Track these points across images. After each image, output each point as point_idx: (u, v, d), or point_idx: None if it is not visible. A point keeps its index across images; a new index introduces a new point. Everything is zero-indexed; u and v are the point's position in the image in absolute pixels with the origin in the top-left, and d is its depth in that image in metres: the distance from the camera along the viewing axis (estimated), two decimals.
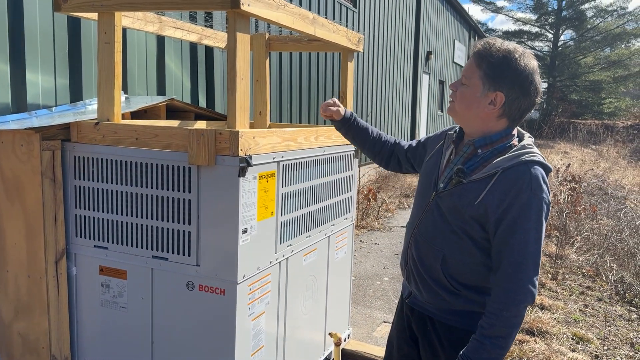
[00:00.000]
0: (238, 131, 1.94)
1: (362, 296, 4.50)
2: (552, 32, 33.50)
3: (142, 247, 2.16)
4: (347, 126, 2.13)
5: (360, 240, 6.24)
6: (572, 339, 3.81)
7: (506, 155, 1.60)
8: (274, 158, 2.19)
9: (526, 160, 1.57)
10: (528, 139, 1.68)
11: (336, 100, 2.15)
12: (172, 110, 3.01)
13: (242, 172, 1.97)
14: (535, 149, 1.62)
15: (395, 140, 2.13)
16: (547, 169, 1.60)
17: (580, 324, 4.09)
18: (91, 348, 2.34)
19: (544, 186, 1.55)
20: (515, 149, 1.62)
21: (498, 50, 1.59)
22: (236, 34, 1.92)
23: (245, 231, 2.03)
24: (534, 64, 1.61)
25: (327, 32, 2.55)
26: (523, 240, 1.53)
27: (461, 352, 1.59)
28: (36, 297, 2.25)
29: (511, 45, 1.61)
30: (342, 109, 2.13)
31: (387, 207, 7.72)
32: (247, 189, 2.02)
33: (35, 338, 2.28)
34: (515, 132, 1.69)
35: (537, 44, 34.76)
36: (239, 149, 1.95)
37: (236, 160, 1.95)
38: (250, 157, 2.01)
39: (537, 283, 1.53)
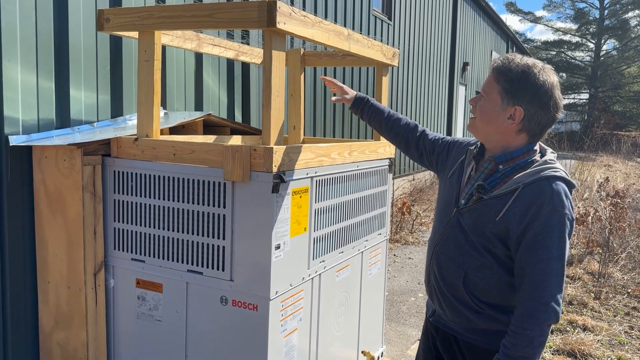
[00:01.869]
0: (272, 147, 1.95)
1: (396, 313, 4.44)
2: (593, 41, 32.67)
3: (177, 261, 2.19)
4: (361, 108, 2.21)
5: (394, 255, 6.16)
6: None
7: (527, 171, 1.59)
8: (307, 174, 2.19)
9: (548, 175, 1.55)
10: (550, 154, 1.66)
11: (343, 87, 2.27)
12: (209, 125, 3.06)
13: (275, 188, 1.98)
14: (557, 165, 1.61)
15: (419, 128, 2.09)
16: (570, 185, 1.58)
17: (626, 347, 3.91)
18: None
19: (566, 202, 1.53)
20: (536, 164, 1.61)
21: (517, 65, 1.59)
22: (272, 51, 1.94)
23: (278, 247, 2.03)
24: (553, 79, 1.60)
25: (361, 47, 2.54)
26: (545, 257, 1.50)
27: None
28: (75, 308, 2.30)
29: (530, 60, 1.61)
30: (350, 94, 2.24)
31: (422, 221, 7.61)
32: (281, 205, 2.02)
33: (74, 348, 2.33)
34: (537, 147, 1.67)
35: (577, 53, 34.00)
36: (273, 165, 1.96)
37: (270, 176, 1.96)
38: (284, 173, 2.02)
39: (561, 301, 1.51)
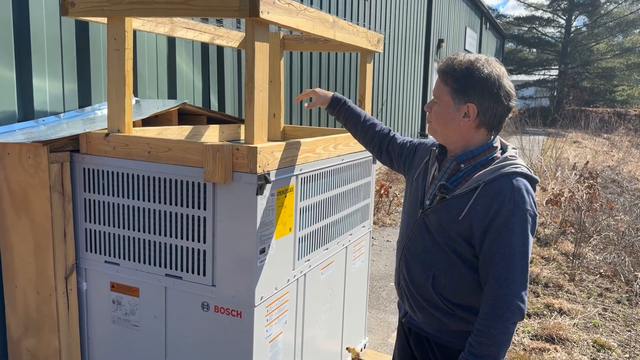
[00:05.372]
0: (256, 147, 1.83)
1: (376, 299, 4.41)
2: (564, 18, 32.91)
3: (154, 265, 2.07)
4: (337, 109, 2.16)
5: (372, 237, 6.13)
6: (593, 346, 3.71)
7: (488, 168, 1.57)
8: (292, 172, 2.08)
9: (508, 172, 1.53)
10: (511, 150, 1.65)
11: (316, 90, 2.21)
12: (184, 114, 2.90)
13: (260, 189, 1.87)
14: (518, 160, 1.59)
15: (391, 133, 2.07)
16: (532, 180, 1.56)
17: (601, 330, 3.99)
18: None
19: (528, 198, 1.51)
20: (497, 161, 1.59)
21: (460, 63, 1.59)
22: (255, 43, 1.80)
23: (262, 251, 1.93)
24: (499, 69, 1.59)
25: (347, 34, 2.42)
26: (508, 254, 1.48)
27: None
28: (46, 314, 2.17)
29: (472, 56, 1.61)
30: (323, 97, 2.18)
31: (400, 202, 7.60)
32: (265, 207, 1.92)
33: (44, 356, 2.20)
34: (498, 144, 1.66)
35: (548, 30, 34.24)
36: (257, 165, 1.84)
37: (254, 177, 1.84)
38: (269, 173, 1.91)
39: (525, 298, 1.49)
